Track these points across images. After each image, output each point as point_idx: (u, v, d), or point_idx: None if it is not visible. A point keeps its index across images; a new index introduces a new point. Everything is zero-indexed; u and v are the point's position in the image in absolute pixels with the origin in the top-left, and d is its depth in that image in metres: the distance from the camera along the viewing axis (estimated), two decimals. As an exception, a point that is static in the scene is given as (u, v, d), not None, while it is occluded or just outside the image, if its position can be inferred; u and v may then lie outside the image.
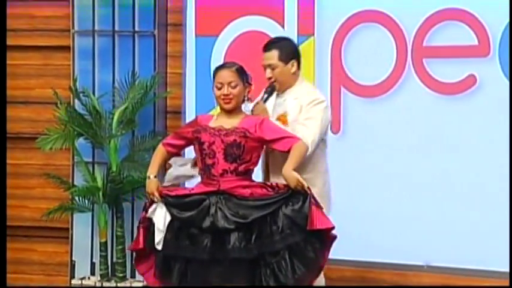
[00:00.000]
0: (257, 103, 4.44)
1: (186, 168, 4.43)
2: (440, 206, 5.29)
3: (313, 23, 5.53)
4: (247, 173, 4.29)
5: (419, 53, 5.33)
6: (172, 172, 4.46)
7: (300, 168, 4.28)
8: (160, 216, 4.23)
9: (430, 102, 5.33)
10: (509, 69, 5.12)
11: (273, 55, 4.49)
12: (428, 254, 5.31)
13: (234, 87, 4.24)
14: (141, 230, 4.32)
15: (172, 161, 4.46)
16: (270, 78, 4.51)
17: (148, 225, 4.29)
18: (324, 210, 4.22)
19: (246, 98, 4.32)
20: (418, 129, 5.36)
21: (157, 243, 4.22)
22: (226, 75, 4.25)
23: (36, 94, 6.03)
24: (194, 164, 4.42)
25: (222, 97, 4.26)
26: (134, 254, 4.50)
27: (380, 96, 5.44)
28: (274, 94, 4.54)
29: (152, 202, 4.29)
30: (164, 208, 4.25)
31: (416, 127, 5.36)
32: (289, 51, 4.53)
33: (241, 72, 4.28)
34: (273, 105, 4.51)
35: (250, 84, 4.33)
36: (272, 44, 4.55)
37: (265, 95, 4.50)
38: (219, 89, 4.26)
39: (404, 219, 5.35)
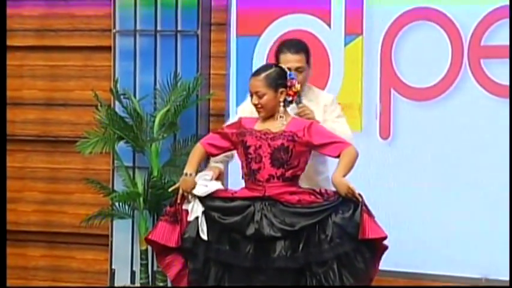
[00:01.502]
0: (303, 105, 4.34)
1: (210, 186, 4.23)
2: (499, 216, 5.11)
3: (361, 22, 5.38)
4: (294, 179, 4.18)
5: (477, 53, 5.15)
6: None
7: (317, 170, 4.32)
8: (201, 212, 4.16)
9: (488, 105, 5.14)
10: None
11: (302, 58, 4.43)
12: (486, 267, 5.16)
13: (260, 97, 4.16)
14: (164, 223, 4.21)
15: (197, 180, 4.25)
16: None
17: (174, 221, 4.19)
18: None
19: (288, 101, 4.21)
20: (474, 135, 5.18)
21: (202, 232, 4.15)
22: (253, 84, 4.19)
23: (76, 96, 6.00)
24: (217, 176, 4.31)
25: (254, 106, 4.20)
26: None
27: (433, 100, 5.27)
28: None
29: (183, 199, 4.19)
30: (201, 206, 4.16)
31: (473, 132, 5.17)
32: (310, 53, 4.51)
33: (271, 79, 4.16)
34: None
35: (288, 87, 4.20)
36: (300, 46, 4.48)
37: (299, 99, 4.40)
38: (251, 97, 4.21)
39: (459, 228, 5.19)
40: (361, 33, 5.38)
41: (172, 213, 4.21)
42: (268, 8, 5.54)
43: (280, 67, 4.25)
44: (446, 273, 5.23)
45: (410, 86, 5.32)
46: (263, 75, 4.16)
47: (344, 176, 4.09)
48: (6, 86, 5.68)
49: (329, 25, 5.43)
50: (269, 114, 4.17)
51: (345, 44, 5.42)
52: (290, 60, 4.37)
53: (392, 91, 5.36)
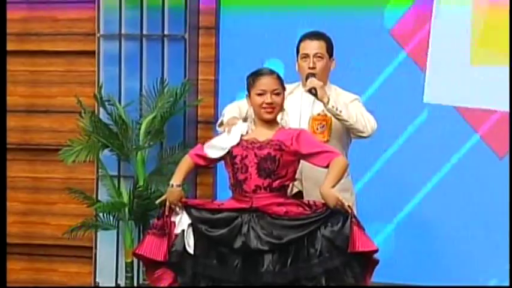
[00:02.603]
0: (312, 79, 4.28)
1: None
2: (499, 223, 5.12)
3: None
4: (282, 189, 4.11)
5: None
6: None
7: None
8: (187, 225, 4.12)
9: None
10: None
11: (322, 45, 4.40)
12: (488, 277, 5.13)
13: (277, 95, 4.10)
14: (152, 237, 4.13)
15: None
16: (313, 68, 4.36)
17: (162, 234, 4.12)
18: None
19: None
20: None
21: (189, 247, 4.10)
22: (271, 82, 4.10)
23: (58, 102, 5.97)
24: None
25: (264, 105, 4.09)
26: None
27: None
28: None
29: (170, 212, 4.13)
30: (188, 218, 4.12)
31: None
32: (332, 46, 4.45)
33: (281, 80, 4.13)
34: (301, 100, 4.40)
35: (284, 90, 4.17)
36: (320, 34, 4.45)
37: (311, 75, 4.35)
38: (261, 96, 4.08)
39: (466, 238, 5.19)
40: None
41: (160, 226, 4.17)
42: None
43: None
44: (447, 284, 5.20)
45: None
46: (276, 74, 4.12)
47: (333, 187, 4.00)
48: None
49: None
50: (276, 116, 4.11)
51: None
52: (309, 47, 4.38)
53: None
